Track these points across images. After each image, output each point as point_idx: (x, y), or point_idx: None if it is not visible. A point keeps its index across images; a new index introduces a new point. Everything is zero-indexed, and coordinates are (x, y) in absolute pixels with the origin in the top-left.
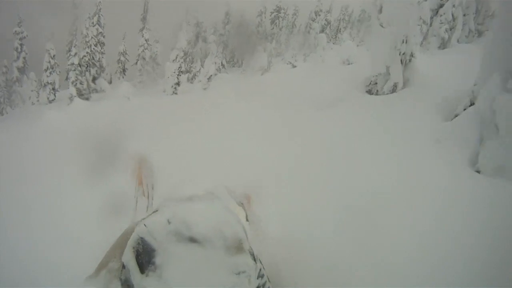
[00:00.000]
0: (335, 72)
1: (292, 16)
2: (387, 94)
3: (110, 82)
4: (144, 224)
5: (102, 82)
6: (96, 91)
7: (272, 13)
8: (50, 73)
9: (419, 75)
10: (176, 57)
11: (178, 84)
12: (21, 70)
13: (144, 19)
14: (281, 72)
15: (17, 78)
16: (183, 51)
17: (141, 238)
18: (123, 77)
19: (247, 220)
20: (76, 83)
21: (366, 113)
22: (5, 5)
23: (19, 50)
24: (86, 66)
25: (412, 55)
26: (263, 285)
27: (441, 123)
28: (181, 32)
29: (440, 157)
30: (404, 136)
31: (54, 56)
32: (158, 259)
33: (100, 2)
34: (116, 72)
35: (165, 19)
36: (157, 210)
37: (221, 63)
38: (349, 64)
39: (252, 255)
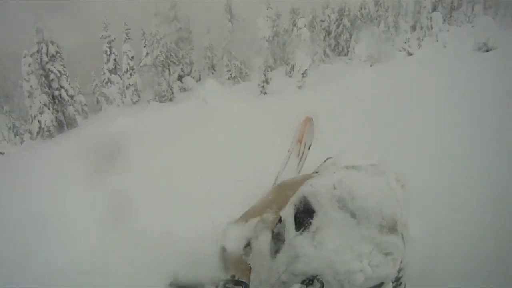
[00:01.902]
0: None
1: None
2: None
3: (199, 79)
4: (311, 185)
5: (188, 80)
6: (185, 89)
7: None
8: (131, 74)
9: None
10: (260, 49)
11: (266, 81)
12: (112, 72)
13: (228, 9)
14: (399, 63)
15: (109, 79)
16: (266, 40)
17: (305, 197)
18: (212, 73)
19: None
20: (153, 85)
21: None
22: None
23: (108, 52)
24: (162, 66)
25: None
26: (402, 270)
27: None
28: (261, 19)
29: None
30: None
31: (132, 57)
32: (316, 221)
33: None
34: (204, 69)
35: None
36: (317, 172)
37: (324, 51)
38: (487, 50)
39: (403, 239)
